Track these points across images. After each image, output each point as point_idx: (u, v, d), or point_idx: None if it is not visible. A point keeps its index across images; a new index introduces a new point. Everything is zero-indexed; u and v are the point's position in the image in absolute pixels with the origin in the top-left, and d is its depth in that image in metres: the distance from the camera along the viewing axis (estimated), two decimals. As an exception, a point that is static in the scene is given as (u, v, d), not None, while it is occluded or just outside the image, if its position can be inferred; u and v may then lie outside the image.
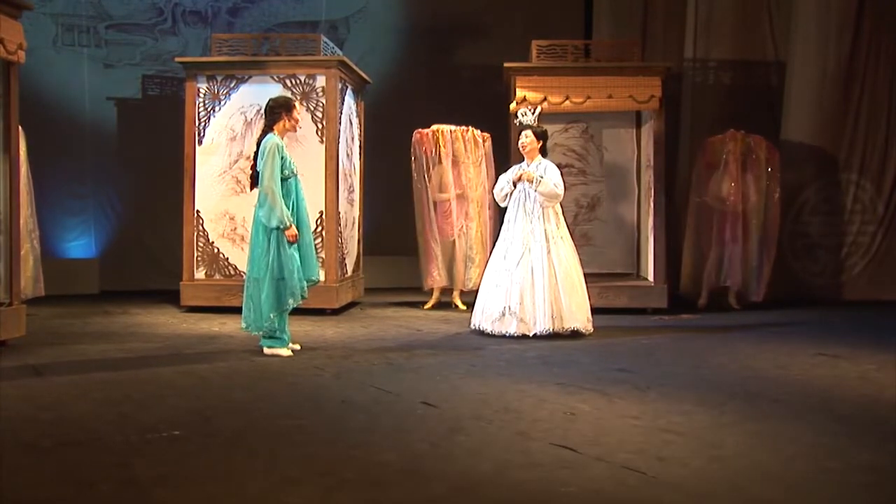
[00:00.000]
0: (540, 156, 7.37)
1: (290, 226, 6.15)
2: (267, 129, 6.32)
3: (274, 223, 6.12)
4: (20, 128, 7.01)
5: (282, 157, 6.20)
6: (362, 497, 3.38)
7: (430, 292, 9.03)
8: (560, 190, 7.18)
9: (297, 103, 6.51)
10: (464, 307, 8.79)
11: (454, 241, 8.93)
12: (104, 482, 3.51)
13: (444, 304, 9.03)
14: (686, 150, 10.09)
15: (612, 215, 9.27)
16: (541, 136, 7.37)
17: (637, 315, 8.38)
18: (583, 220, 9.20)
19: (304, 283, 6.30)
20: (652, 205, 8.72)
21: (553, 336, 6.98)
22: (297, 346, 6.45)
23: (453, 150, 8.92)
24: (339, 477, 3.58)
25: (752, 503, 3.35)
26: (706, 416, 4.58)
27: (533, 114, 7.39)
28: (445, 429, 4.30)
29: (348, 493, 3.41)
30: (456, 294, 9.04)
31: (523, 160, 7.40)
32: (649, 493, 3.41)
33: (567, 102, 8.59)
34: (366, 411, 4.67)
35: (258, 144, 6.31)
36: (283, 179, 6.20)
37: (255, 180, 6.31)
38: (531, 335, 6.99)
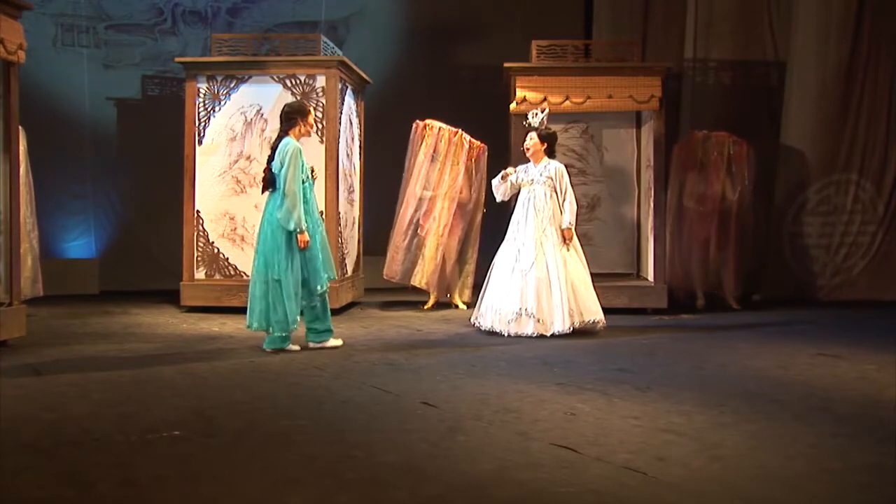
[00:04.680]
0: (546, 157, 7.44)
1: (304, 231, 6.20)
2: (283, 134, 6.40)
3: (291, 226, 6.19)
4: (20, 127, 7.01)
5: (301, 162, 6.28)
6: (362, 497, 3.37)
7: (429, 292, 9.02)
8: (574, 203, 7.37)
9: (312, 109, 6.62)
10: (464, 306, 8.79)
11: (432, 238, 8.88)
12: (104, 482, 3.51)
13: (444, 304, 9.02)
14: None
15: (611, 215, 9.26)
16: (546, 138, 7.46)
17: (637, 315, 8.38)
18: (583, 220, 9.15)
19: (325, 280, 6.45)
20: (652, 205, 8.72)
21: (571, 335, 7.00)
22: (297, 347, 6.46)
23: (435, 147, 8.87)
24: (340, 477, 3.58)
25: (751, 503, 3.35)
26: (706, 416, 4.58)
27: (542, 114, 7.46)
28: (445, 429, 4.30)
29: (348, 493, 3.41)
30: (454, 293, 9.03)
31: (528, 161, 7.47)
32: (649, 493, 3.41)
33: (567, 102, 8.59)
34: (366, 411, 4.67)
35: (273, 148, 6.40)
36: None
37: (268, 182, 6.37)
38: (549, 335, 7.01)
